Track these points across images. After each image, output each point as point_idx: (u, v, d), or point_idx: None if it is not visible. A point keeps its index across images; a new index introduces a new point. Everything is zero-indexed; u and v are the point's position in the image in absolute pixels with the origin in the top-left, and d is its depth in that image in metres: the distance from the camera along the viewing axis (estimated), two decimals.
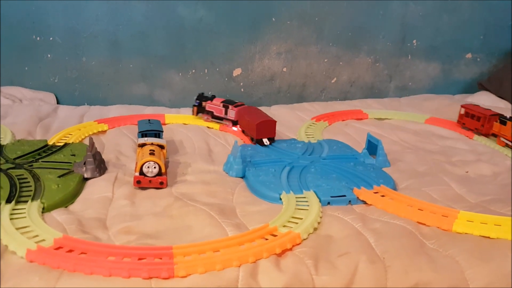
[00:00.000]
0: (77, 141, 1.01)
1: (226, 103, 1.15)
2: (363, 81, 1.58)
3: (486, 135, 1.14)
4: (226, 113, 1.14)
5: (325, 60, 1.52)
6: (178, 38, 1.42)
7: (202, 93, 1.21)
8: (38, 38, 1.35)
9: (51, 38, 1.35)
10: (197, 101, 1.19)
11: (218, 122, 1.17)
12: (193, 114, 1.22)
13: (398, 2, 1.52)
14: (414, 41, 1.59)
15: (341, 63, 1.54)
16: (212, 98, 1.18)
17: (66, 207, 0.72)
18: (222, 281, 0.53)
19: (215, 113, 1.16)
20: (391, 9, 1.52)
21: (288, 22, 1.45)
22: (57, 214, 0.68)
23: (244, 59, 1.47)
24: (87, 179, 0.82)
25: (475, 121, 1.16)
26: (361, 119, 1.28)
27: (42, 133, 1.09)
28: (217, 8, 1.40)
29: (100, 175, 0.84)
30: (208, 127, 1.18)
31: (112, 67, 1.41)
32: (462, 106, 1.21)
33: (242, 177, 0.87)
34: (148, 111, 1.32)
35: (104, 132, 1.11)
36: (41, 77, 1.39)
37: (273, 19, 1.44)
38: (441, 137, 1.17)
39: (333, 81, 1.55)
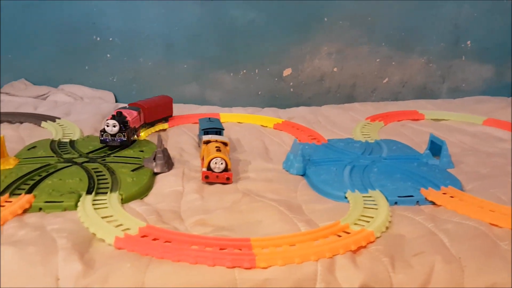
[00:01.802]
0: (143, 138, 1.05)
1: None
2: (415, 82, 1.56)
3: None
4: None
5: (377, 60, 1.51)
6: (230, 39, 1.45)
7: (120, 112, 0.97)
8: (98, 39, 1.41)
9: (110, 39, 1.41)
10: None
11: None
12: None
13: (451, 2, 1.50)
14: (469, 42, 1.55)
15: (393, 63, 1.53)
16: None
17: (141, 199, 0.76)
18: (301, 274, 0.55)
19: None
20: (444, 9, 1.50)
21: (340, 22, 1.45)
22: (135, 205, 0.72)
23: (294, 59, 1.49)
24: (156, 173, 0.86)
25: None
26: (417, 119, 1.27)
27: None
28: (269, 9, 1.42)
29: (169, 170, 0.87)
30: (262, 125, 1.20)
31: (167, 68, 1.46)
32: None
33: (302, 175, 0.88)
34: (202, 110, 1.35)
35: (164, 130, 1.15)
36: (100, 76, 1.45)
37: (325, 19, 1.45)
38: (500, 140, 1.15)
39: (384, 81, 1.54)
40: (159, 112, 1.14)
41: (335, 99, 1.53)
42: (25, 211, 0.68)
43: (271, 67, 1.48)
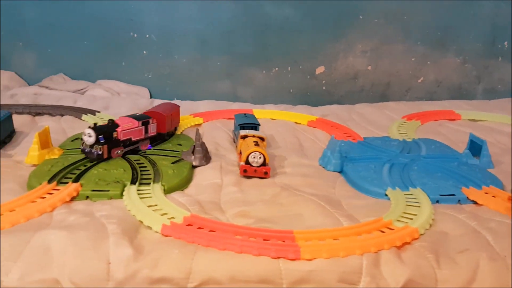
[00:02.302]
0: (179, 132, 1.07)
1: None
2: (451, 81, 1.54)
3: None
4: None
5: (412, 59, 1.50)
6: (263, 37, 1.45)
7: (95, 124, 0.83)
8: (135, 35, 1.44)
9: (147, 36, 1.44)
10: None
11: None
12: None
13: (489, 2, 1.46)
14: (506, 42, 1.52)
15: (428, 62, 1.51)
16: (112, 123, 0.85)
17: (182, 190, 0.77)
18: (346, 268, 0.55)
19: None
20: (482, 9, 1.47)
21: (375, 20, 1.44)
22: (177, 196, 0.73)
23: (328, 57, 1.49)
24: (195, 166, 0.87)
25: None
26: (454, 119, 1.25)
27: None
28: (303, 7, 1.42)
29: (207, 163, 0.89)
30: (296, 122, 1.20)
31: (201, 65, 1.48)
32: None
33: (339, 172, 0.88)
34: (235, 106, 1.36)
35: (199, 125, 1.17)
36: (136, 72, 1.49)
37: (360, 17, 1.44)
38: None
39: (419, 80, 1.52)
40: (173, 122, 1.02)
41: (369, 98, 1.52)
42: (73, 198, 0.70)
43: (303, 65, 1.49)
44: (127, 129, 0.86)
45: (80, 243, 0.55)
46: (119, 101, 1.35)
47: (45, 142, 0.87)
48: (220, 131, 1.11)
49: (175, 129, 1.06)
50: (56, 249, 0.54)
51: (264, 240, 0.58)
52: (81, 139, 0.82)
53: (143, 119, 0.90)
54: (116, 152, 0.84)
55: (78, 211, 0.65)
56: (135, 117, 0.90)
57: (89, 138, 0.80)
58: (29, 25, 1.41)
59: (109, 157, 0.83)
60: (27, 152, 0.87)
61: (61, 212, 0.65)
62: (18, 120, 1.09)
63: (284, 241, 0.58)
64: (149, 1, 1.39)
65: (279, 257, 0.55)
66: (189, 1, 1.39)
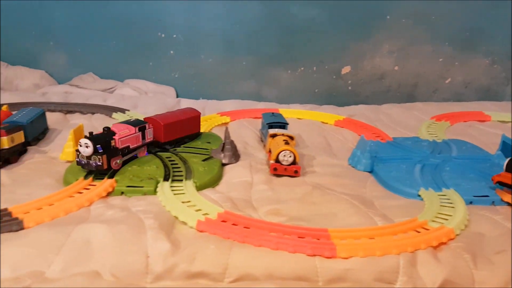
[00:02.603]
0: (207, 131, 1.08)
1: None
2: (479, 83, 1.51)
3: None
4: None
5: (440, 60, 1.48)
6: (289, 37, 1.46)
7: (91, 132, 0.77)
8: (163, 35, 1.46)
9: (174, 36, 1.46)
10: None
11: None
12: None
13: None
14: None
15: (456, 63, 1.48)
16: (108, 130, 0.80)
17: (213, 187, 0.78)
18: (383, 267, 0.55)
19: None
20: (510, 10, 1.44)
21: (403, 20, 1.43)
22: (209, 193, 0.74)
23: (354, 57, 1.48)
24: (224, 164, 0.88)
25: None
26: (484, 121, 1.23)
27: None
28: (330, 7, 1.42)
29: (236, 161, 0.89)
30: (322, 122, 1.20)
31: (226, 65, 1.49)
32: None
33: (369, 172, 0.88)
34: (261, 106, 1.37)
35: (226, 123, 1.18)
36: (163, 72, 1.50)
37: (388, 17, 1.43)
38: None
39: (447, 81, 1.50)
40: (181, 130, 0.94)
41: (395, 98, 1.50)
42: (108, 194, 0.72)
43: (329, 65, 1.48)
44: (124, 136, 0.80)
45: (119, 236, 0.57)
46: (147, 100, 1.36)
47: (79, 139, 0.88)
48: (247, 130, 1.11)
49: (197, 134, 1.00)
50: (96, 242, 0.56)
51: (299, 237, 0.59)
52: (77, 151, 0.75)
53: (139, 124, 0.84)
54: (115, 162, 0.77)
55: (115, 206, 0.67)
56: (130, 123, 0.84)
57: (86, 148, 0.74)
58: (60, 25, 1.45)
59: (109, 168, 0.76)
60: (60, 148, 0.90)
61: (99, 206, 0.67)
62: (50, 118, 1.11)
63: (319, 239, 0.59)
64: (177, 2, 1.41)
65: (315, 255, 0.56)
66: (216, 1, 1.40)
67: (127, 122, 0.84)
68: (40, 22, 1.44)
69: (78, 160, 0.76)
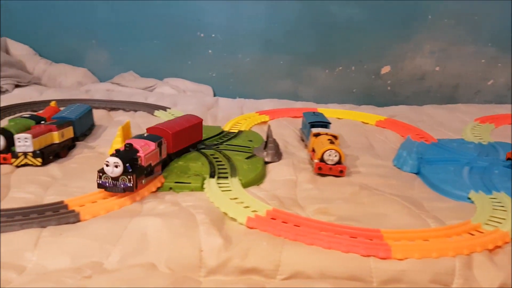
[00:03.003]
0: (247, 129, 1.09)
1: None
2: None
3: None
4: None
5: (482, 61, 1.44)
6: (328, 36, 1.45)
7: None
8: (202, 35, 1.48)
9: (213, 35, 1.47)
10: None
11: None
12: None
13: None
14: None
15: (499, 64, 1.44)
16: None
17: (257, 185, 0.78)
18: (439, 269, 0.54)
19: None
20: None
21: (445, 20, 1.39)
22: (255, 191, 0.74)
23: (394, 57, 1.46)
24: (267, 162, 0.88)
25: None
26: None
27: (212, 120, 1.19)
28: (370, 6, 1.40)
29: (278, 160, 0.89)
30: (363, 122, 1.19)
31: (264, 64, 1.50)
32: None
33: (415, 173, 0.86)
34: (299, 105, 1.37)
35: (265, 122, 1.18)
36: (201, 71, 1.52)
37: (429, 17, 1.40)
38: None
39: (489, 83, 1.46)
40: (187, 138, 0.87)
41: (436, 99, 1.47)
42: (157, 189, 0.73)
43: (368, 64, 1.47)
44: (148, 153, 0.71)
45: (173, 230, 0.58)
46: (186, 98, 1.38)
47: (126, 135, 0.90)
48: (287, 129, 1.11)
49: (199, 142, 0.92)
50: (152, 235, 0.57)
51: (351, 237, 0.58)
52: (99, 173, 0.65)
53: (157, 140, 0.75)
54: (140, 182, 0.68)
55: (166, 201, 0.68)
56: (146, 138, 0.74)
57: (115, 168, 0.64)
58: (102, 24, 1.48)
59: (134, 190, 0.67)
60: (107, 144, 0.92)
61: (150, 201, 0.68)
62: (95, 114, 1.14)
63: (371, 240, 0.58)
64: (217, 2, 1.42)
65: (369, 255, 0.55)
66: (255, 1, 1.41)
67: (142, 137, 0.75)
68: (84, 21, 1.48)
69: (100, 182, 0.65)
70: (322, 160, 0.82)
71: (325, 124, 0.99)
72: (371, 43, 1.44)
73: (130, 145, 0.70)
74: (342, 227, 0.61)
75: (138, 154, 0.69)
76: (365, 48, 1.44)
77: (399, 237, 0.58)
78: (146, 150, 0.71)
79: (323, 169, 0.82)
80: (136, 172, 0.66)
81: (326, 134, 0.90)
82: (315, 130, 0.92)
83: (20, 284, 0.49)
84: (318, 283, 0.52)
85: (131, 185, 0.65)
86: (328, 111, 1.27)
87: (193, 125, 0.89)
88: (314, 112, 1.07)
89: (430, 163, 0.87)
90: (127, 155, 0.67)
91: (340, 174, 0.82)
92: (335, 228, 0.60)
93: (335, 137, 0.90)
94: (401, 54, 1.44)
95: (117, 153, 0.66)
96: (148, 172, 0.71)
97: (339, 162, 0.82)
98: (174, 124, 0.85)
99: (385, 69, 1.47)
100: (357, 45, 1.44)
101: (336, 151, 0.82)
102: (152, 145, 0.73)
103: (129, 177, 0.65)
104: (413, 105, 1.39)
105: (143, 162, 0.69)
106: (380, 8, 1.40)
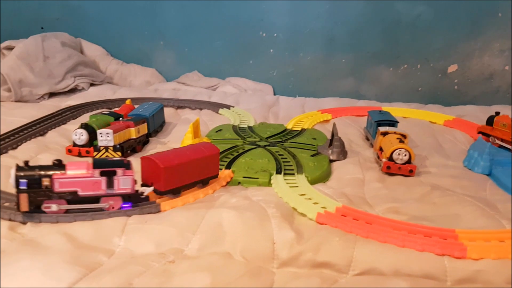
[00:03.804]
0: (310, 127, 1.10)
1: None
2: None
3: None
4: None
5: None
6: (393, 34, 1.42)
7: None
8: (264, 34, 1.50)
9: (275, 35, 1.50)
10: None
11: None
12: None
13: None
14: None
15: None
16: None
17: (324, 183, 0.79)
18: None
19: None
20: None
21: None
22: (322, 188, 0.75)
23: (461, 55, 1.40)
24: (332, 160, 0.89)
25: None
26: None
27: (273, 118, 1.21)
28: (437, 4, 1.36)
29: (344, 158, 0.90)
30: (430, 121, 1.16)
31: (325, 63, 1.49)
32: None
33: (487, 175, 0.83)
34: (361, 104, 1.35)
35: (327, 121, 1.18)
36: (262, 70, 1.55)
37: (500, 14, 1.33)
38: None
39: None
40: (193, 173, 0.70)
41: (505, 99, 1.40)
42: (227, 183, 0.76)
43: (435, 63, 1.42)
44: (69, 178, 0.60)
45: (247, 222, 0.60)
46: (248, 97, 1.41)
47: (196, 132, 0.95)
48: (351, 128, 1.11)
49: (212, 177, 0.75)
50: (227, 226, 0.60)
51: (424, 236, 0.58)
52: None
53: (105, 167, 0.62)
54: (48, 206, 0.60)
55: (237, 195, 0.71)
56: (99, 163, 0.63)
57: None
58: (170, 26, 1.55)
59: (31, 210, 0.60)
60: (177, 140, 0.97)
61: (221, 194, 0.71)
62: (164, 112, 1.20)
63: (445, 239, 0.57)
64: (281, 2, 1.44)
65: (443, 254, 0.54)
66: (319, 1, 1.41)
67: (99, 162, 0.63)
68: (152, 23, 1.56)
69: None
70: (390, 159, 0.81)
71: (393, 122, 0.98)
72: (438, 41, 1.39)
73: (59, 161, 0.61)
74: (415, 226, 0.60)
75: (53, 175, 0.60)
76: (432, 46, 1.40)
77: (474, 237, 0.57)
78: (70, 174, 0.60)
79: (391, 168, 0.81)
80: (30, 192, 0.59)
81: (395, 133, 0.89)
82: (382, 129, 0.92)
83: (110, 266, 0.53)
84: (392, 280, 0.52)
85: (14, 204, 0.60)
86: (393, 109, 1.24)
87: (204, 157, 0.71)
88: (380, 111, 1.06)
89: (502, 165, 0.83)
90: (30, 168, 0.60)
91: (410, 173, 0.80)
92: (408, 227, 0.60)
93: (404, 136, 0.89)
94: (469, 53, 1.39)
95: (22, 167, 0.59)
96: (71, 200, 0.61)
97: (408, 162, 0.81)
98: (176, 155, 0.69)
99: (452, 68, 1.42)
100: (423, 43, 1.40)
101: (406, 150, 0.81)
102: (92, 171, 0.61)
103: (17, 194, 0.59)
104: (480, 105, 1.33)
105: (55, 186, 0.60)
106: (448, 5, 1.35)
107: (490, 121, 0.99)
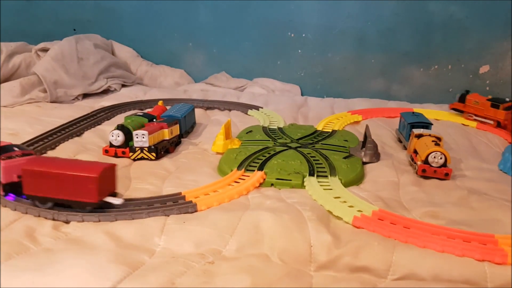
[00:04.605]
0: (341, 129, 1.09)
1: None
2: None
3: None
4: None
5: None
6: (424, 34, 1.40)
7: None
8: (292, 35, 1.50)
9: (303, 35, 1.49)
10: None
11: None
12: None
13: None
14: None
15: None
16: None
17: (357, 185, 0.79)
18: None
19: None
20: None
21: None
22: (356, 191, 0.75)
23: (494, 55, 1.37)
24: (365, 163, 0.88)
25: None
26: None
27: (303, 119, 1.21)
28: (471, 4, 1.34)
29: (377, 161, 0.89)
30: (463, 124, 1.14)
31: (355, 63, 1.48)
32: None
33: None
34: (391, 105, 1.34)
35: (358, 122, 1.18)
36: (290, 70, 1.55)
37: None
38: None
39: None
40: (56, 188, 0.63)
41: None
42: (260, 185, 0.77)
43: (466, 63, 1.40)
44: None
45: (284, 224, 0.60)
46: (276, 98, 1.42)
47: (227, 133, 0.96)
48: (383, 129, 1.10)
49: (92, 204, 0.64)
50: (265, 228, 0.60)
51: (464, 241, 0.57)
52: None
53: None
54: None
55: (271, 197, 0.71)
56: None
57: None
58: (198, 28, 1.57)
59: None
60: (209, 141, 0.98)
61: (255, 196, 0.72)
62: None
63: (485, 245, 0.56)
64: (311, 2, 1.44)
65: (484, 260, 0.54)
66: (350, 1, 1.40)
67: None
68: (182, 25, 1.58)
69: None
70: (426, 162, 0.80)
71: (427, 125, 0.96)
72: (470, 41, 1.37)
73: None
74: (454, 230, 0.60)
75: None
76: (464, 46, 1.38)
77: None
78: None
79: (427, 172, 0.80)
80: None
81: (429, 135, 0.88)
82: (416, 131, 0.90)
83: (152, 265, 0.54)
84: (432, 285, 0.52)
85: None
86: (425, 111, 1.22)
87: (74, 176, 0.61)
88: (413, 112, 1.04)
89: None
90: None
91: (446, 177, 0.79)
92: (447, 232, 0.59)
93: (439, 138, 0.88)
94: (502, 53, 1.36)
95: None
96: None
97: (444, 165, 0.80)
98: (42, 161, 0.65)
99: (484, 69, 1.39)
100: (455, 43, 1.38)
101: (442, 153, 0.80)
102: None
103: None
104: None
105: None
106: (480, 5, 1.32)
107: (462, 98, 1.15)
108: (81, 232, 0.60)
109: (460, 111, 1.18)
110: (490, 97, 1.12)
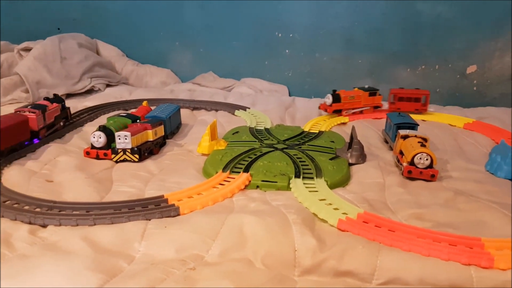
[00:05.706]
0: (327, 130, 1.08)
1: None
2: None
3: None
4: None
5: None
6: (412, 34, 1.40)
7: None
8: (279, 35, 1.49)
9: (291, 35, 1.48)
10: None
11: None
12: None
13: None
14: None
15: None
16: None
17: (343, 187, 0.78)
18: None
19: None
20: None
21: None
22: (342, 193, 0.74)
23: (481, 55, 1.38)
24: (351, 164, 0.87)
25: None
26: None
27: (290, 120, 1.20)
28: (459, 4, 1.34)
29: (363, 162, 0.88)
30: (450, 124, 1.14)
31: (342, 63, 1.48)
32: None
33: (510, 179, 0.81)
34: None
35: (345, 123, 1.17)
36: (277, 71, 1.54)
37: None
38: None
39: None
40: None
41: None
42: (245, 187, 0.76)
43: (454, 63, 1.40)
44: None
45: (269, 228, 0.59)
46: (264, 98, 1.40)
47: (213, 134, 0.94)
48: (369, 130, 1.09)
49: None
50: (249, 232, 0.59)
51: (450, 245, 0.56)
52: None
53: None
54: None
55: (256, 199, 0.70)
56: None
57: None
58: (185, 27, 1.55)
59: None
60: (194, 142, 0.97)
61: (240, 198, 0.71)
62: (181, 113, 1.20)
63: (471, 248, 0.56)
64: (296, 1, 1.43)
65: (470, 264, 0.53)
66: (338, 0, 1.40)
67: None
68: (168, 24, 1.56)
69: None
70: (412, 163, 0.80)
71: (413, 125, 0.96)
72: (458, 41, 1.37)
73: None
74: (440, 234, 0.59)
75: None
76: (451, 46, 1.38)
77: (502, 246, 0.56)
78: None
79: (413, 173, 0.79)
80: None
81: (416, 136, 0.87)
82: (403, 132, 0.90)
83: (131, 272, 0.53)
84: None
85: None
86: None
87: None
88: (399, 113, 1.04)
89: None
90: None
91: (432, 178, 0.79)
92: (433, 235, 0.58)
93: (425, 139, 0.87)
94: (489, 53, 1.36)
95: None
96: None
97: (430, 166, 0.79)
98: None
99: (471, 69, 1.39)
100: (443, 43, 1.38)
101: (428, 154, 0.79)
102: None
103: None
104: (500, 107, 1.30)
105: None
106: (469, 5, 1.33)
107: (337, 99, 1.18)
108: (58, 236, 0.58)
109: (338, 111, 1.19)
110: (356, 89, 1.22)
